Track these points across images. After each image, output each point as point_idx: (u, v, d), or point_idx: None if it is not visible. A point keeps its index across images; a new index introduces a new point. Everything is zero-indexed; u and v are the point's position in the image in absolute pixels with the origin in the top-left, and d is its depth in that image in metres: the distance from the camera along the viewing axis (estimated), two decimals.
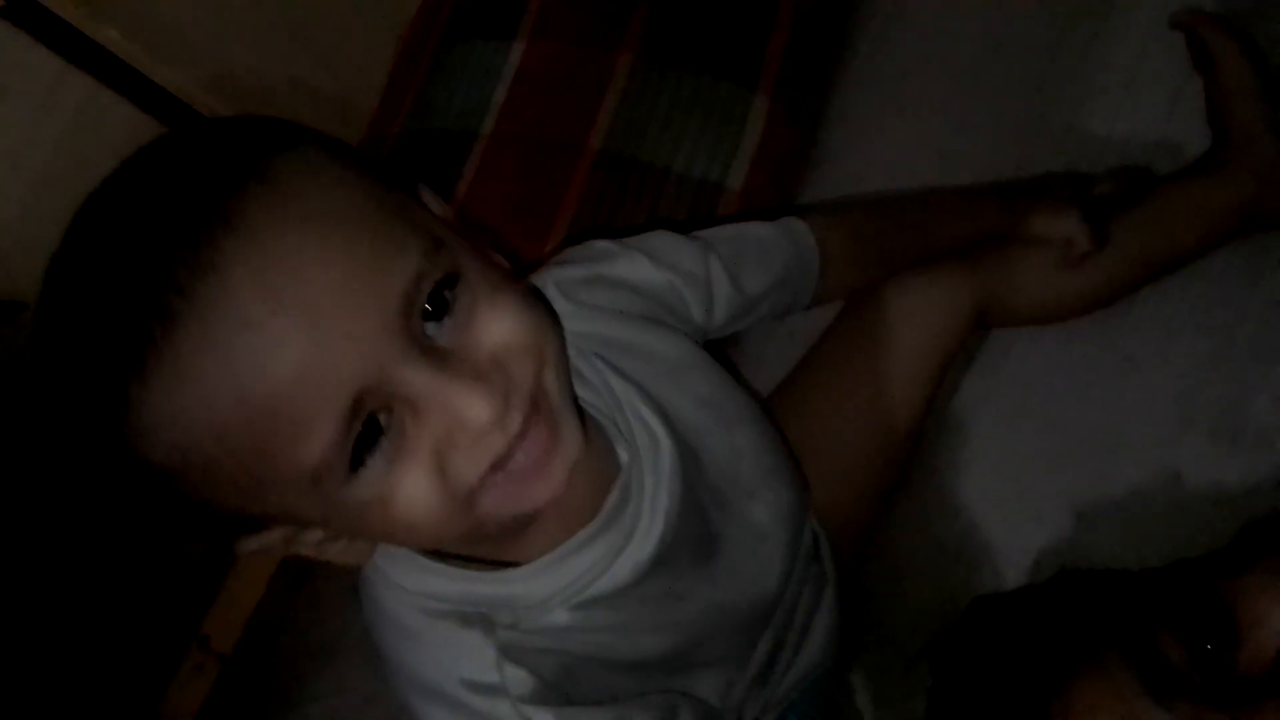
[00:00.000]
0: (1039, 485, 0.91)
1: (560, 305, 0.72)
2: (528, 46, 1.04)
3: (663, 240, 0.78)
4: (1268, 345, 0.90)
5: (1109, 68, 1.01)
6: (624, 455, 0.68)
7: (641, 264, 0.76)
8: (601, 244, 0.77)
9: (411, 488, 0.53)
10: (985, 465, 0.94)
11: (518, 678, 0.64)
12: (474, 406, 0.51)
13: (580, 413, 0.60)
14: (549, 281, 0.73)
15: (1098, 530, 0.87)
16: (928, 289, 0.90)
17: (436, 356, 0.52)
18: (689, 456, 0.71)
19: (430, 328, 0.52)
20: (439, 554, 0.64)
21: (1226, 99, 0.94)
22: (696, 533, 0.72)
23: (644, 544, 0.68)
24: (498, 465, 0.54)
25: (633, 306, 0.75)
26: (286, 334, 0.47)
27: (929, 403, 0.92)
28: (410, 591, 0.65)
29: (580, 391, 0.66)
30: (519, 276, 0.62)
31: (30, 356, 0.52)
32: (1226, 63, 0.95)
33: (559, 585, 0.65)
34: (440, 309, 0.53)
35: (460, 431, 0.52)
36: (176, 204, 0.48)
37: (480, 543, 0.61)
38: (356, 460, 0.51)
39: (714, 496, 0.73)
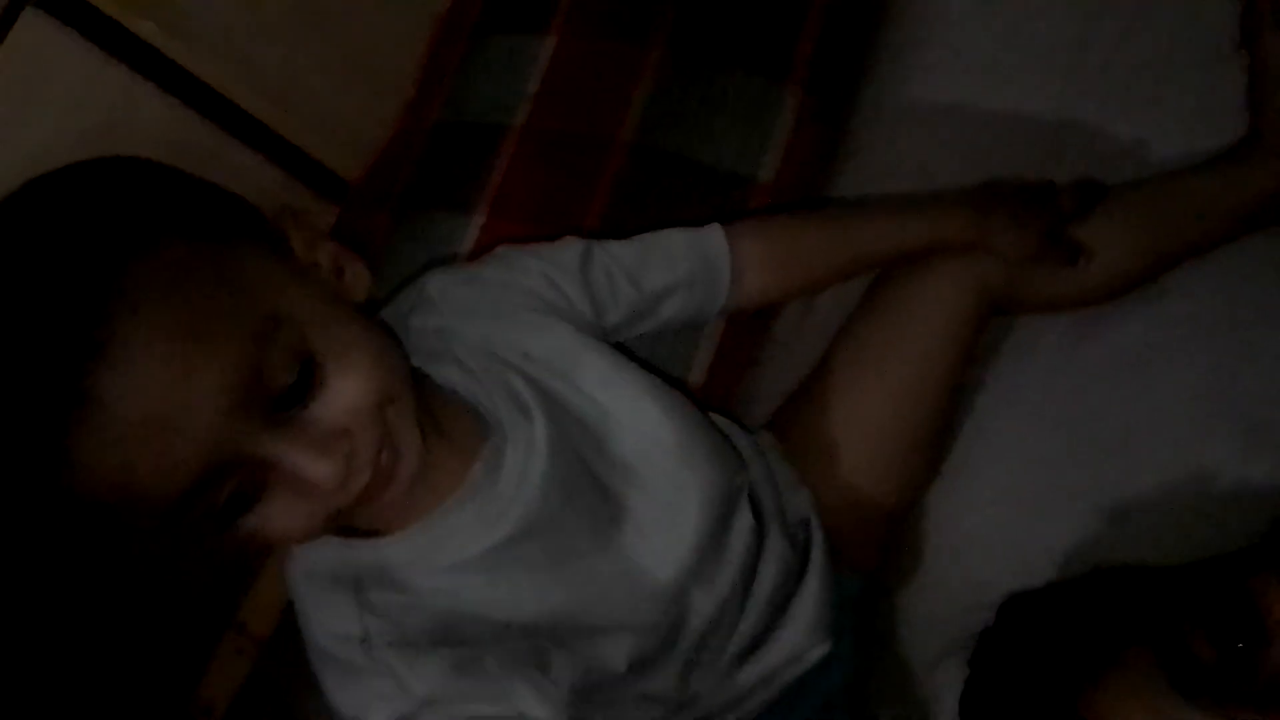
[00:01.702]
0: (1066, 482, 0.91)
1: (440, 308, 0.82)
2: (559, 40, 1.05)
3: (558, 246, 0.86)
4: None
5: (1139, 62, 1.01)
6: (494, 432, 0.76)
7: (523, 262, 0.84)
8: (501, 248, 0.86)
9: (278, 525, 0.65)
10: (1012, 462, 0.94)
11: (377, 627, 0.72)
12: (319, 473, 0.63)
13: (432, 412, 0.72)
14: (435, 290, 0.83)
15: (1125, 528, 0.87)
16: (932, 280, 0.91)
17: (289, 426, 0.63)
18: (573, 431, 0.78)
19: (288, 397, 0.63)
20: None
21: (1266, 80, 0.93)
22: (588, 503, 0.77)
23: (510, 511, 0.74)
24: (349, 493, 0.66)
25: (514, 302, 0.82)
26: (145, 423, 0.58)
27: (951, 393, 0.92)
28: (297, 558, 0.76)
29: (454, 375, 0.78)
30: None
31: None
32: (1273, 42, 0.93)
33: (427, 549, 0.73)
34: (306, 380, 0.63)
35: (310, 487, 0.64)
36: (54, 332, 0.58)
37: (353, 521, 0.71)
38: (229, 520, 0.64)
39: (617, 470, 0.79)
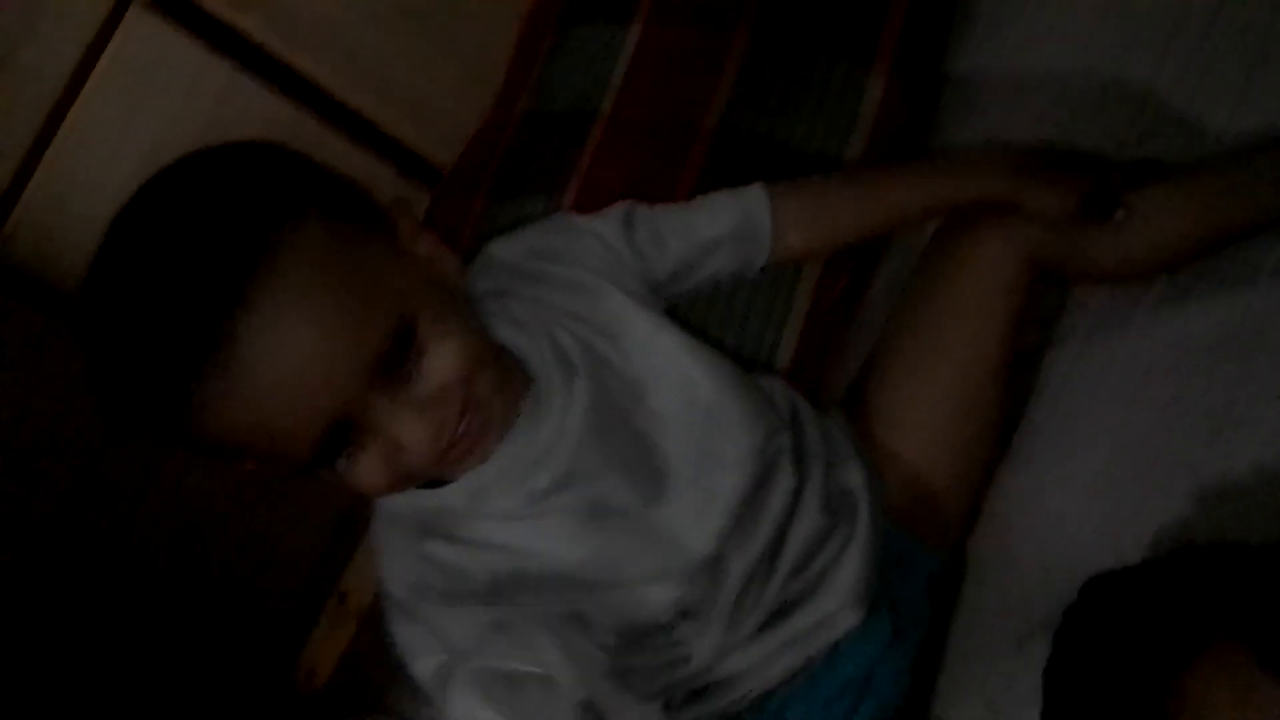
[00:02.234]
0: (1158, 462, 0.89)
1: (497, 272, 0.89)
2: (644, 29, 1.06)
3: (606, 209, 0.91)
4: None
5: (1234, 39, 0.98)
6: (538, 384, 0.81)
7: (575, 227, 0.90)
8: (556, 215, 0.94)
9: (369, 476, 0.73)
10: (1103, 440, 0.93)
11: (430, 577, 0.79)
12: (413, 436, 0.72)
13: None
14: (495, 256, 0.90)
15: (1219, 508, 0.85)
16: (980, 249, 0.91)
17: (393, 392, 0.71)
18: (615, 388, 0.83)
19: (391, 369, 0.70)
20: None
21: None
22: (626, 458, 0.82)
23: (549, 460, 0.79)
24: (435, 457, 0.74)
25: (566, 264, 0.88)
26: (282, 377, 0.66)
27: (1008, 362, 0.92)
28: (383, 504, 0.83)
29: (508, 333, 0.83)
30: None
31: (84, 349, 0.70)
32: None
33: (476, 497, 0.79)
34: (405, 347, 0.71)
35: (405, 450, 0.72)
36: (203, 282, 0.66)
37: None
38: (327, 460, 0.72)
39: (656, 428, 0.83)
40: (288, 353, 0.66)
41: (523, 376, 0.81)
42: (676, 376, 0.85)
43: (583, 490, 0.80)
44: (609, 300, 0.86)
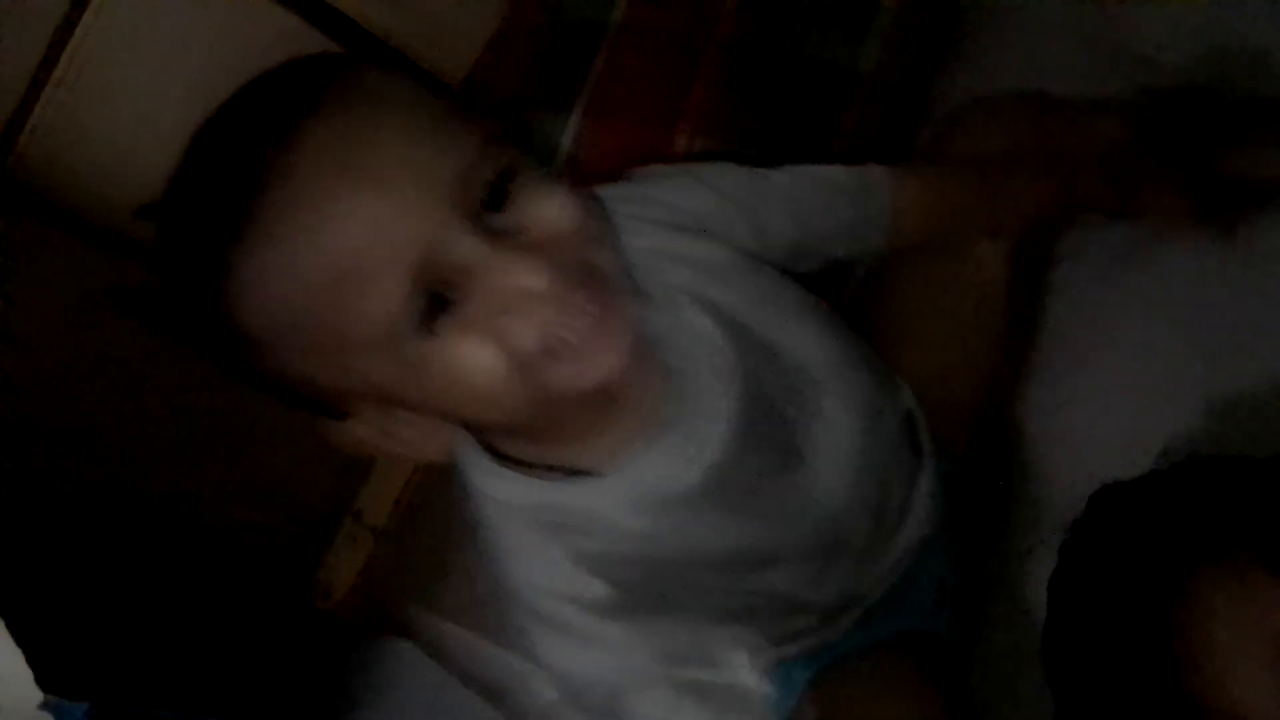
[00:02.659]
0: (1178, 377, 0.88)
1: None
2: None
3: (717, 167, 0.82)
4: None
5: None
6: (678, 360, 0.71)
7: (687, 184, 0.80)
8: (655, 166, 0.83)
9: (476, 353, 0.58)
10: (1119, 354, 0.92)
11: (591, 586, 0.68)
12: (527, 275, 0.56)
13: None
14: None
15: (1232, 422, 0.85)
16: None
17: (493, 233, 0.57)
18: (750, 354, 0.74)
19: (487, 214, 0.58)
20: (519, 463, 0.69)
21: None
22: (768, 428, 0.74)
23: (708, 445, 0.71)
24: (555, 332, 0.59)
25: (675, 219, 0.77)
26: (357, 198, 0.54)
27: (1011, 272, 0.90)
28: (494, 498, 0.69)
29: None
30: None
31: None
32: None
33: (629, 491, 0.69)
34: (498, 198, 0.58)
35: (517, 300, 0.57)
36: (270, 100, 0.58)
37: (555, 432, 0.67)
38: (422, 323, 0.56)
39: (784, 392, 0.76)
40: (364, 159, 0.55)
41: (656, 355, 0.70)
42: (803, 337, 0.78)
43: (736, 473, 0.72)
44: (726, 259, 0.78)
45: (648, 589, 0.69)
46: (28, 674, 0.74)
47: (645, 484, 0.69)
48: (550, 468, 0.68)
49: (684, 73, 0.99)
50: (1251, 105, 0.90)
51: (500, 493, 0.69)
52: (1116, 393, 0.91)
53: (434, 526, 1.20)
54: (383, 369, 0.58)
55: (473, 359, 0.58)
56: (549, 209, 0.59)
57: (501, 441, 0.69)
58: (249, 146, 0.56)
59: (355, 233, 0.54)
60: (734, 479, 0.72)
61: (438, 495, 1.21)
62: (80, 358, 1.04)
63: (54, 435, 1.05)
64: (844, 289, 1.00)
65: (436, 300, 0.56)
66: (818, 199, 0.84)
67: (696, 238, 0.77)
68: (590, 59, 1.02)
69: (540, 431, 0.67)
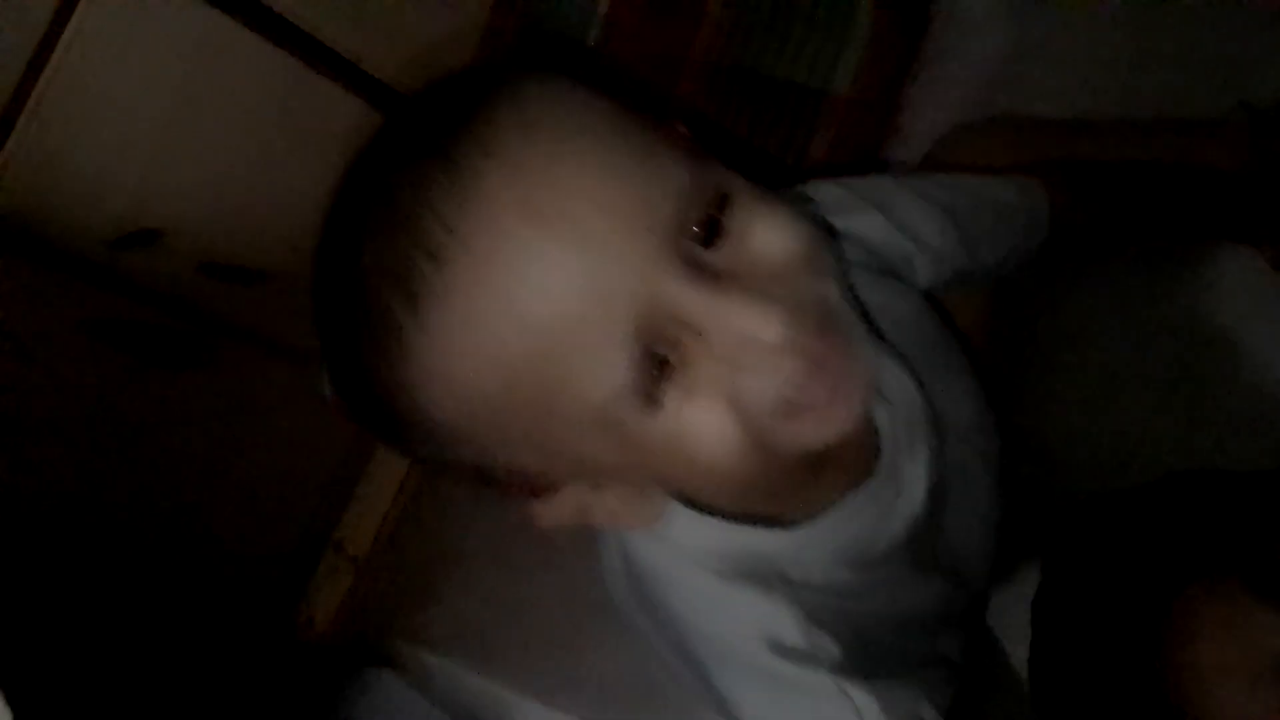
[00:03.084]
0: (1152, 391, 0.89)
1: None
2: None
3: (903, 200, 0.72)
4: None
5: None
6: (883, 410, 0.65)
7: (878, 224, 0.71)
8: (834, 191, 0.72)
9: (706, 420, 0.49)
10: (1096, 372, 0.92)
11: (825, 644, 0.61)
12: (762, 324, 0.48)
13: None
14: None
15: (1213, 436, 0.85)
16: None
17: (714, 278, 0.48)
18: (932, 409, 0.68)
19: (702, 252, 0.49)
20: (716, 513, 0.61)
21: None
22: (940, 484, 0.68)
23: (913, 497, 0.65)
24: (793, 388, 0.50)
25: (863, 260, 0.70)
26: (558, 257, 0.45)
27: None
28: (689, 548, 0.60)
29: None
30: None
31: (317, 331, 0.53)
32: None
33: (843, 542, 0.62)
34: (711, 232, 0.49)
35: (750, 354, 0.48)
36: (433, 142, 0.47)
37: (770, 490, 0.57)
38: (646, 393, 0.48)
39: (944, 446, 0.69)
40: (560, 207, 0.45)
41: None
42: (961, 396, 0.73)
43: (927, 530, 0.67)
44: (910, 302, 0.72)
45: (856, 648, 0.62)
46: (7, 713, 0.72)
47: (850, 536, 0.63)
48: (750, 517, 0.61)
49: (662, 94, 0.99)
50: None
51: (699, 540, 0.60)
52: (1095, 408, 0.91)
53: (415, 556, 1.19)
54: (597, 447, 0.50)
55: (705, 427, 0.49)
56: (772, 238, 0.50)
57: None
58: (413, 206, 0.46)
59: (561, 298, 0.45)
60: (926, 536, 0.67)
61: (418, 524, 1.20)
62: (60, 391, 1.03)
63: (32, 466, 1.04)
64: None
65: (656, 363, 0.48)
66: (992, 225, 0.76)
67: (888, 282, 0.71)
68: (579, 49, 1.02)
69: (749, 486, 0.56)
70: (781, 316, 0.48)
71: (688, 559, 0.61)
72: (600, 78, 0.51)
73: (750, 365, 0.49)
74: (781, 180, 0.85)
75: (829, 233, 0.57)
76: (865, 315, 0.59)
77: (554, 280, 0.45)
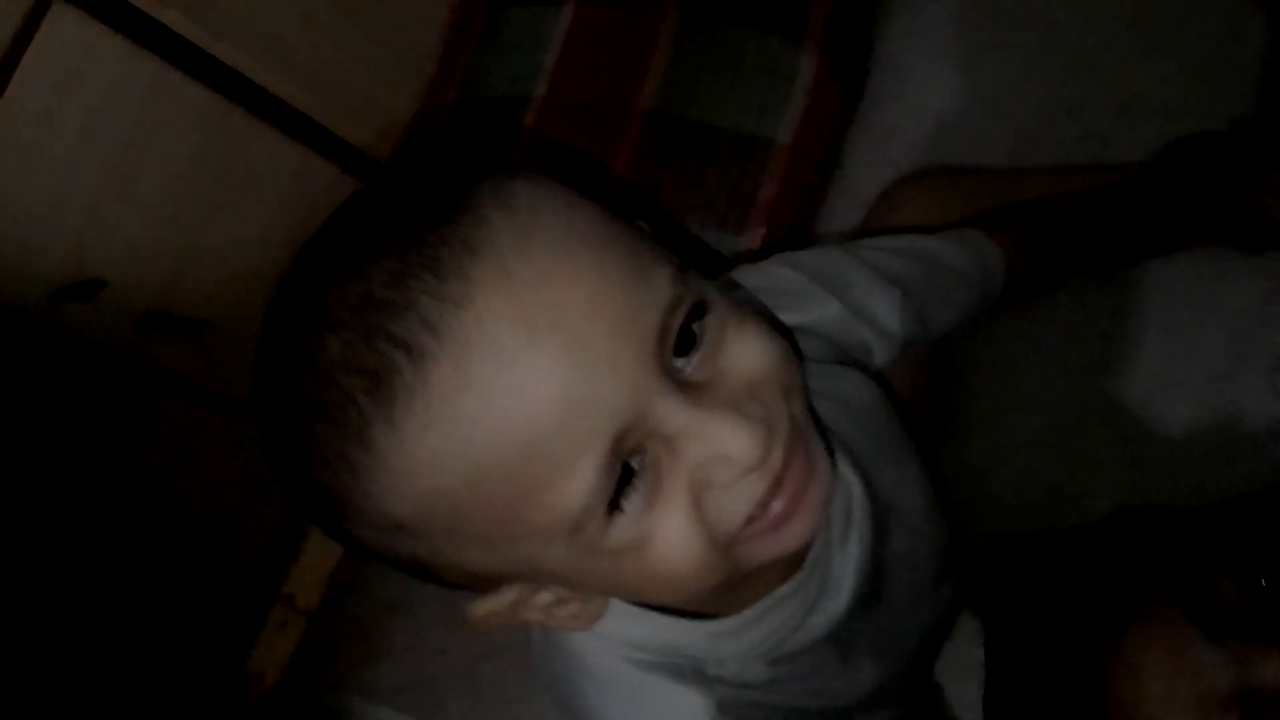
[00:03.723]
0: (1092, 428, 0.91)
1: None
2: (576, 10, 1.06)
3: (860, 280, 0.73)
4: None
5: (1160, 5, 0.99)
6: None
7: (837, 313, 0.71)
8: (792, 278, 0.72)
9: (672, 534, 0.48)
10: (1037, 411, 0.94)
11: None
12: (738, 442, 0.47)
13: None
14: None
15: (1153, 471, 0.87)
16: None
17: (691, 390, 0.48)
18: (878, 501, 0.68)
19: (678, 362, 0.48)
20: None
21: None
22: (873, 571, 0.68)
23: (838, 597, 0.65)
24: (759, 506, 0.50)
25: (822, 353, 0.71)
26: (545, 365, 0.44)
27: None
28: (611, 640, 0.60)
29: None
30: None
31: (252, 405, 0.50)
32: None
33: (762, 638, 0.62)
34: (687, 342, 0.48)
35: (721, 470, 0.48)
36: (414, 235, 0.45)
37: (708, 593, 0.55)
38: (610, 502, 0.47)
39: (885, 533, 0.69)
40: (550, 314, 0.44)
41: None
42: (912, 489, 0.73)
43: (848, 624, 0.67)
44: (864, 390, 0.72)
45: None
46: None
47: (767, 631, 0.62)
48: (672, 611, 0.60)
49: (606, 145, 1.00)
50: None
51: (621, 633, 0.60)
52: (1037, 450, 0.92)
53: (365, 608, 1.18)
54: (555, 552, 0.48)
55: (669, 538, 0.48)
56: (745, 352, 0.50)
57: None
58: (392, 301, 0.44)
59: (543, 407, 0.44)
60: (856, 627, 0.67)
61: (367, 575, 1.19)
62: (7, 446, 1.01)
63: None
64: None
65: (623, 471, 0.47)
66: (943, 295, 0.77)
67: (846, 372, 0.71)
68: (513, 133, 1.02)
69: (699, 594, 0.55)
70: (757, 436, 0.47)
71: (606, 646, 0.60)
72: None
73: (721, 482, 0.48)
74: (729, 226, 0.87)
75: (792, 341, 0.55)
76: (819, 422, 0.58)
77: (538, 389, 0.44)
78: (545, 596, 0.54)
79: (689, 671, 0.61)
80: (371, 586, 1.18)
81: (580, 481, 0.45)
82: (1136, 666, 0.65)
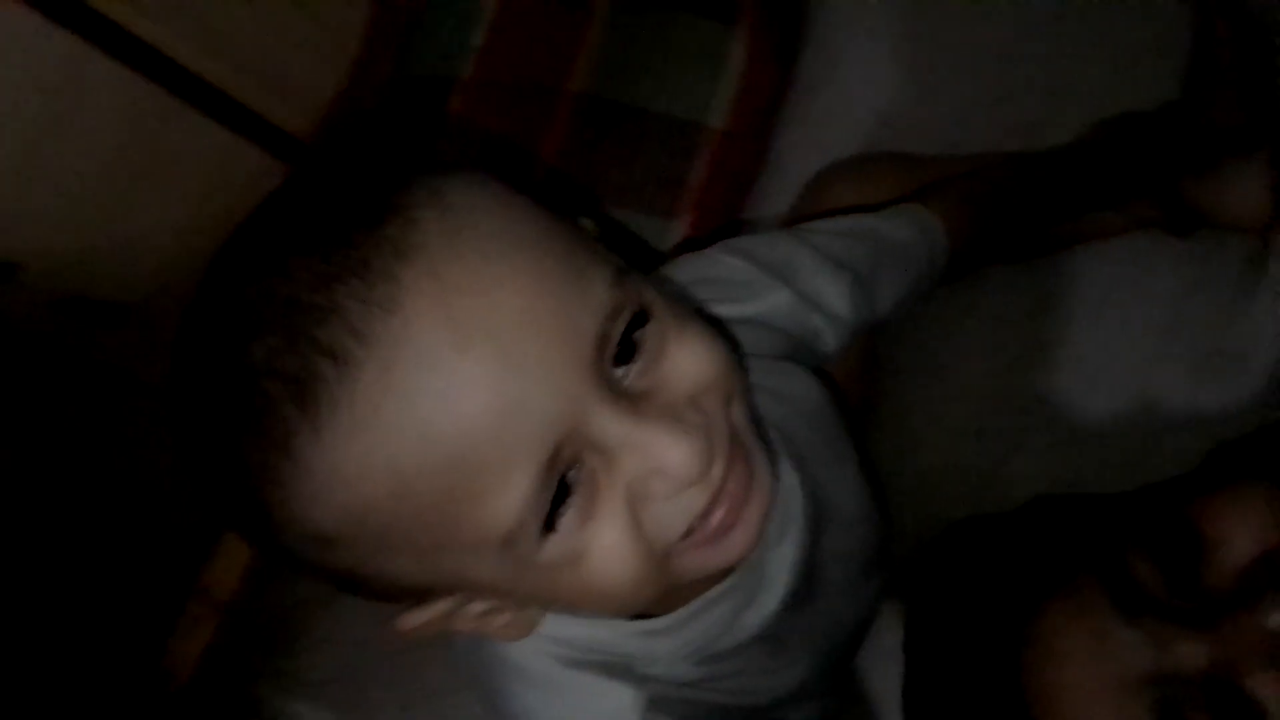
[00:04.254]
0: (1016, 416, 0.91)
1: None
2: None
3: (807, 265, 0.72)
4: (1247, 274, 0.89)
5: None
6: None
7: (785, 299, 0.71)
8: (738, 266, 0.71)
9: (608, 548, 0.47)
10: (961, 398, 0.94)
11: None
12: (679, 455, 0.46)
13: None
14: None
15: (1075, 458, 0.88)
16: None
17: (630, 401, 0.47)
18: (816, 501, 0.68)
19: (617, 371, 0.47)
20: None
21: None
22: (808, 571, 0.68)
23: (770, 597, 0.65)
24: (698, 518, 0.49)
25: (773, 345, 0.70)
26: (477, 374, 0.42)
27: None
28: (538, 638, 0.58)
29: None
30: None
31: (170, 408, 0.48)
32: None
33: (694, 638, 0.62)
34: (628, 350, 0.47)
35: (659, 483, 0.47)
36: (342, 235, 0.43)
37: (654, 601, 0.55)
38: (545, 515, 0.46)
39: (820, 534, 0.69)
40: (482, 321, 0.42)
41: None
42: (850, 490, 0.73)
43: (779, 623, 0.67)
44: (808, 388, 0.71)
45: None
46: None
47: (697, 633, 0.62)
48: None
49: (536, 127, 0.99)
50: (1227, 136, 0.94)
51: (553, 630, 0.58)
52: (963, 437, 0.93)
53: (284, 599, 1.15)
54: (487, 568, 0.47)
55: (606, 551, 0.47)
56: (688, 360, 0.49)
57: None
58: (316, 304, 0.42)
59: (475, 416, 0.42)
60: (780, 624, 0.67)
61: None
62: None
63: None
64: None
65: (559, 483, 0.46)
66: (891, 272, 0.77)
67: (791, 368, 0.70)
68: (440, 113, 1.01)
69: (635, 604, 0.55)
70: (697, 448, 0.46)
71: (533, 643, 0.59)
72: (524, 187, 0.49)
73: (659, 494, 0.48)
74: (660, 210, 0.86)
75: (733, 343, 0.55)
76: (761, 426, 0.58)
77: (468, 399, 0.42)
78: (478, 606, 0.52)
79: (619, 669, 0.61)
80: (290, 578, 1.16)
81: (513, 496, 0.44)
82: (1054, 651, 0.65)
